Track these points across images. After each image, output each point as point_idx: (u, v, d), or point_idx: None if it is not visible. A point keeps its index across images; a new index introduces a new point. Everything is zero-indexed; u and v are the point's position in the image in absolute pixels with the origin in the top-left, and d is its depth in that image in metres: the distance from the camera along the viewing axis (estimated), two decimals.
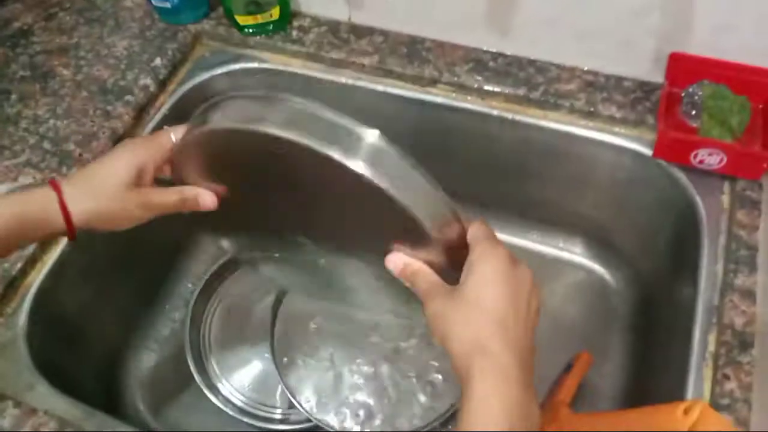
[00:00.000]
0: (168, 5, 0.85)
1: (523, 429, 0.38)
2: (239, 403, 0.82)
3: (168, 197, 0.53)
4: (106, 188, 0.51)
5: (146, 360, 0.87)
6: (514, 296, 0.42)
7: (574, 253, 0.92)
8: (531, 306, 0.44)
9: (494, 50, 0.82)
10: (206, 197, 0.54)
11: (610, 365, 0.84)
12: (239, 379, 0.84)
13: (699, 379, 0.61)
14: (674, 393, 0.63)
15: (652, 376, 0.76)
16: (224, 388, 0.83)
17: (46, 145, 0.75)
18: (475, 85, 0.79)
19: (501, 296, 0.41)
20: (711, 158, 0.68)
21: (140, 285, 0.89)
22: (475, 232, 0.45)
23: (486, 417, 0.38)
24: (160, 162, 0.53)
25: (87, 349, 0.79)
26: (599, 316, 0.88)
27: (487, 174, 0.87)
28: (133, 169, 0.51)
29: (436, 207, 0.44)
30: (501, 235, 0.92)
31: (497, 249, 0.43)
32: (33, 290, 0.68)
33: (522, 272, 0.44)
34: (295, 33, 0.86)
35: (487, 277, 0.42)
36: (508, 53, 0.81)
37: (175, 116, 0.83)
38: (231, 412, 0.78)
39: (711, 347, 0.62)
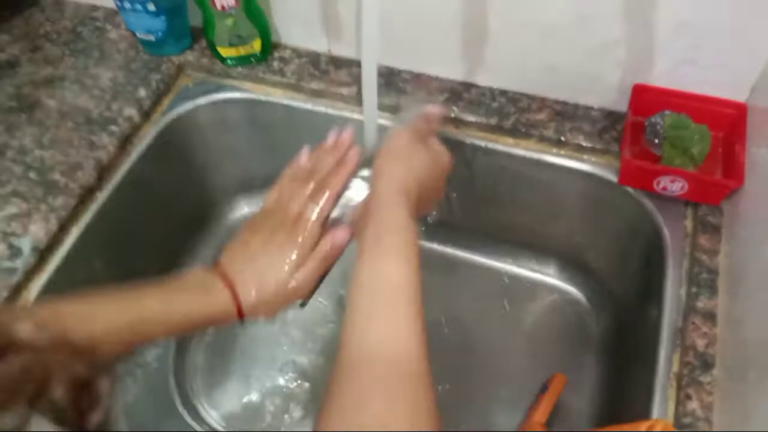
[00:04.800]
0: (152, 38, 0.87)
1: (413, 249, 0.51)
2: None
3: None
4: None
5: (130, 388, 0.87)
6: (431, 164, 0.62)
7: (548, 275, 0.95)
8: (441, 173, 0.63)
9: (468, 81, 0.85)
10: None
11: (585, 385, 0.87)
12: (225, 408, 0.85)
13: (664, 399, 0.63)
14: (643, 412, 0.65)
15: (625, 396, 0.79)
16: (210, 418, 0.84)
17: (32, 175, 0.77)
18: (451, 115, 0.82)
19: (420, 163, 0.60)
20: (673, 185, 0.71)
21: None
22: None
23: (394, 222, 0.52)
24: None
25: None
26: (574, 336, 0.91)
27: (462, 199, 0.90)
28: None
29: None
30: (476, 257, 0.96)
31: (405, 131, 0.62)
32: None
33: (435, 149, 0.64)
34: (276, 64, 0.89)
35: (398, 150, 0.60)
36: (481, 84, 0.84)
37: (160, 145, 0.85)
38: None
39: (675, 368, 0.65)
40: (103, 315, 0.50)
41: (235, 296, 0.55)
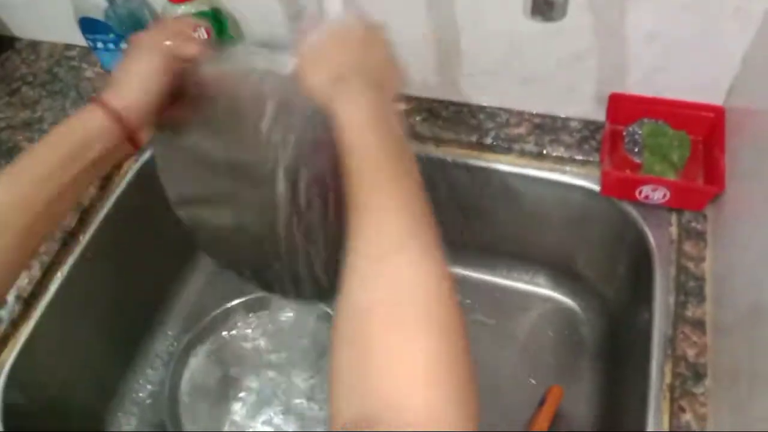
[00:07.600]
0: None
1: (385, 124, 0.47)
2: None
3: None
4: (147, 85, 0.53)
5: (126, 425, 0.87)
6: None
7: (539, 285, 0.94)
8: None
9: (445, 99, 0.84)
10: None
11: (582, 395, 0.86)
12: None
13: (658, 411, 0.63)
14: (639, 424, 0.65)
15: (622, 406, 0.78)
16: None
17: None
18: (430, 134, 0.82)
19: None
20: (655, 194, 0.71)
21: (118, 348, 0.90)
22: None
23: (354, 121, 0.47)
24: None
25: (66, 419, 0.79)
26: (568, 345, 0.90)
27: (449, 216, 0.90)
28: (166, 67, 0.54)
29: None
30: (467, 272, 0.96)
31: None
32: (6, 368, 0.69)
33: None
34: None
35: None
36: (459, 101, 0.84)
37: (141, 181, 0.85)
38: None
39: (667, 379, 0.64)
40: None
41: (102, 103, 0.52)
